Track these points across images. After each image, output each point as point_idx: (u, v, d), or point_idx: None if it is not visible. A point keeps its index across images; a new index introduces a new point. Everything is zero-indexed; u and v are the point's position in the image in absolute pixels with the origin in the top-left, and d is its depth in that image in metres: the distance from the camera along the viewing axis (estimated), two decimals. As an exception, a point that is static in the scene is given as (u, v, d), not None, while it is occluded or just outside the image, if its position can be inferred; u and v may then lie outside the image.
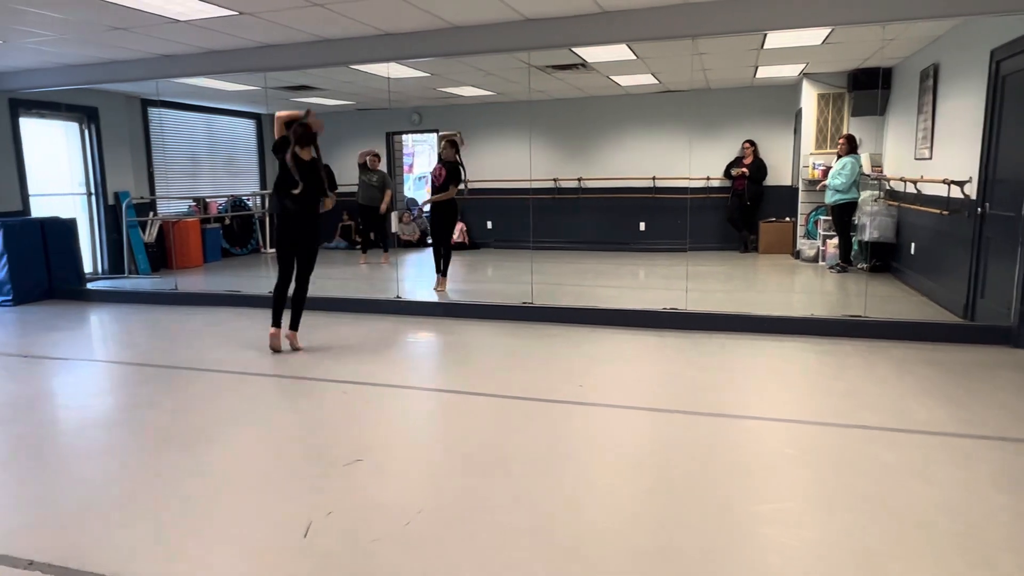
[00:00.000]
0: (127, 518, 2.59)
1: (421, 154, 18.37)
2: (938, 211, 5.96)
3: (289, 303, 4.99)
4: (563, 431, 3.43)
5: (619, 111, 10.47)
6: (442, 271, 7.33)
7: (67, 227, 7.78)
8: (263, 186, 11.61)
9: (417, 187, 16.86)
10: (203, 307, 6.84)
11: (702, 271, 8.29)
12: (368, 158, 9.46)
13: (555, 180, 10.90)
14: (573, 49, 6.35)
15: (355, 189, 9.60)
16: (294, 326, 5.01)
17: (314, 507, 2.63)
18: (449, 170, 7.00)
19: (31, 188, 8.15)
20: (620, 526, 2.49)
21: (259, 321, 5.66)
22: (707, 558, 2.25)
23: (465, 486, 2.82)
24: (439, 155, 7.20)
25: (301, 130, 4.68)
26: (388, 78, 7.87)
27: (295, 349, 5.00)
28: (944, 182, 5.70)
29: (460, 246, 11.21)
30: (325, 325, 5.87)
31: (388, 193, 9.46)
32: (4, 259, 7.07)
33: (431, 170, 7.13)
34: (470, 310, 6.19)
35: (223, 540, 2.43)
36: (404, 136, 12.54)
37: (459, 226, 11.24)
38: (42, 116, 8.35)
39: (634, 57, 7.22)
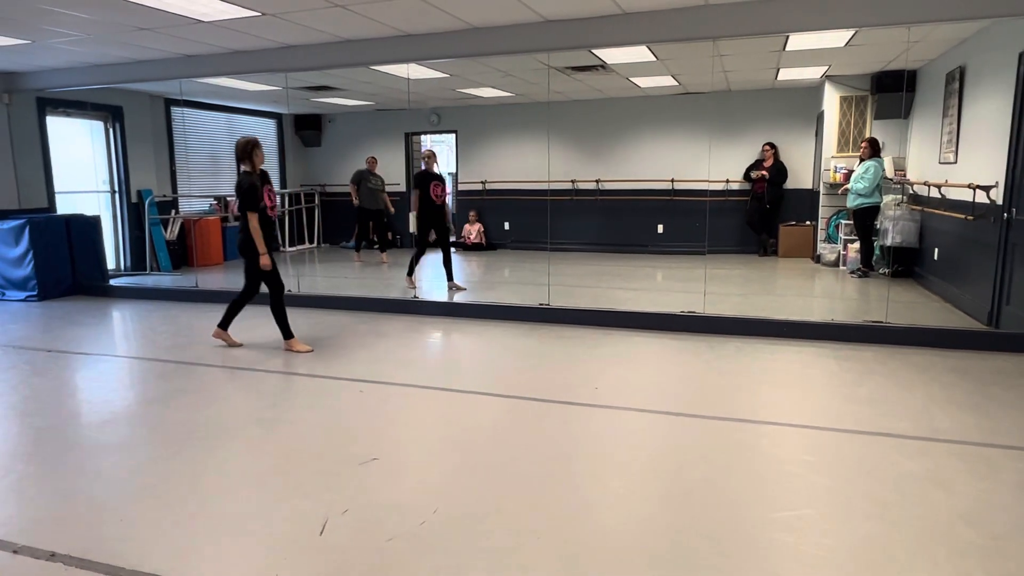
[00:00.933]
0: (146, 512, 2.62)
1: (439, 155, 18.48)
2: (963, 216, 5.86)
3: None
4: (578, 433, 3.42)
5: (638, 113, 10.42)
6: (450, 274, 7.47)
7: (91, 224, 7.91)
8: (283, 185, 11.72)
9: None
10: (223, 304, 6.86)
11: (721, 274, 8.23)
12: (367, 161, 9.79)
13: (573, 182, 10.88)
14: (592, 51, 6.34)
15: (349, 189, 9.81)
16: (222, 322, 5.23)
17: (330, 505, 2.64)
18: (444, 181, 7.48)
19: (57, 186, 8.31)
20: (635, 530, 2.48)
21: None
22: (723, 564, 2.23)
23: (480, 486, 2.82)
24: (431, 171, 7.37)
25: None
26: (408, 79, 7.90)
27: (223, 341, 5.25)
28: (969, 187, 5.61)
29: (477, 247, 11.24)
30: (342, 324, 5.91)
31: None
32: (30, 255, 7.21)
33: (432, 189, 7.25)
34: (486, 311, 6.19)
35: (240, 535, 2.45)
36: (423, 136, 12.61)
37: (477, 227, 11.29)
38: (68, 115, 8.50)
39: (654, 59, 7.18)
